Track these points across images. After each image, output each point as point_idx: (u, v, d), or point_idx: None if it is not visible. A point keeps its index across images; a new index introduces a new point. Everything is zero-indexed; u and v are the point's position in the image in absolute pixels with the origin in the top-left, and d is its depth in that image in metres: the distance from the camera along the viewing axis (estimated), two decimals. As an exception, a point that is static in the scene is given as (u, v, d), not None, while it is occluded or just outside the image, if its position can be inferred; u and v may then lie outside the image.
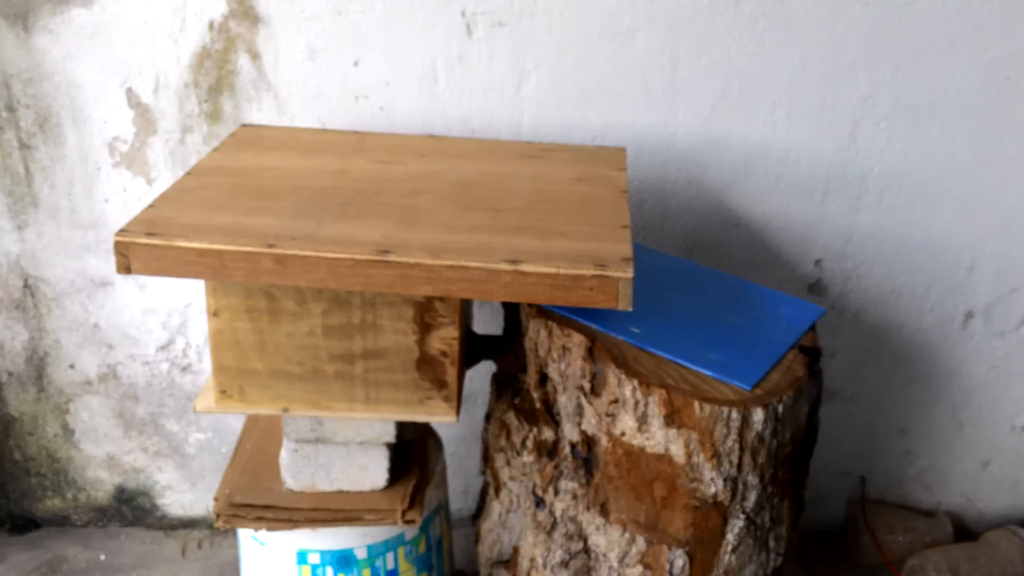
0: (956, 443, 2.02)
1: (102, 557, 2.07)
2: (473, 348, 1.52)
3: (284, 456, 1.48)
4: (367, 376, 1.35)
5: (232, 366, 1.35)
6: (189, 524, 2.15)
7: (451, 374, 1.35)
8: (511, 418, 1.49)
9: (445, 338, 1.33)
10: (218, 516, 1.47)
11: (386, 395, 1.37)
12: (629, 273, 1.15)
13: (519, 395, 1.49)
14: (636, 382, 1.25)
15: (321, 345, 1.33)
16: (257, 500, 1.48)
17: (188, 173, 1.38)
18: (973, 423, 2.00)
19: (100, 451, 2.07)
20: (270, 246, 1.17)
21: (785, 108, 1.72)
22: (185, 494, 2.12)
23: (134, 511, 2.13)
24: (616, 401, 1.28)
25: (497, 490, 1.58)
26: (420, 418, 1.38)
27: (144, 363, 1.98)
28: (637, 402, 1.25)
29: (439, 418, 1.38)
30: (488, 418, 1.61)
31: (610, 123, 1.74)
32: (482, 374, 1.85)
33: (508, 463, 1.54)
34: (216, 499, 1.49)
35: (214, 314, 1.32)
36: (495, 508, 1.60)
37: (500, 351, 1.52)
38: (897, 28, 1.67)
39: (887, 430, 2.01)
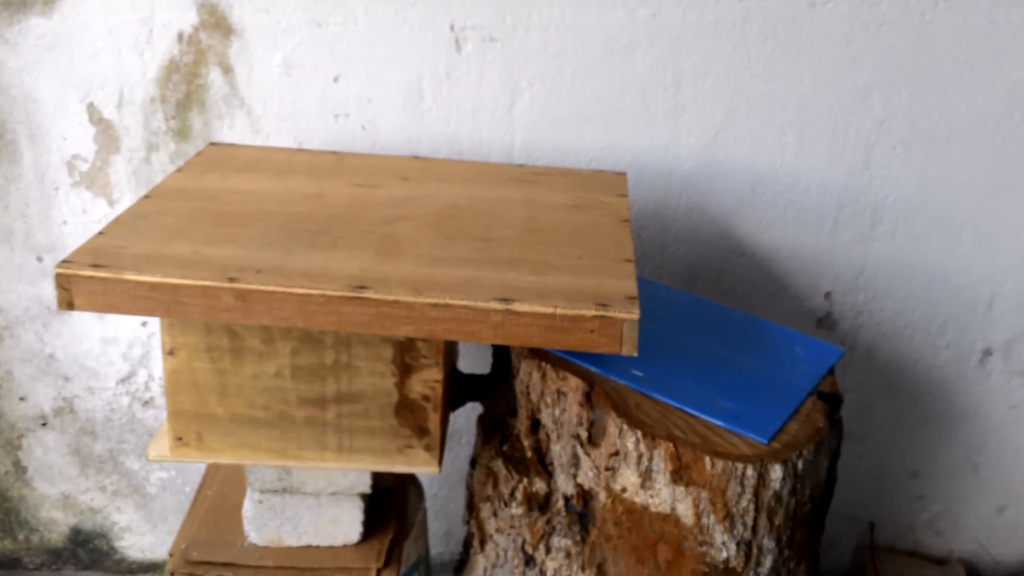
0: (971, 487, 1.90)
1: (56, 604, 1.93)
2: (458, 389, 1.39)
3: (247, 508, 1.34)
4: (340, 422, 1.22)
5: (190, 411, 1.21)
6: (149, 568, 2.00)
7: (433, 420, 1.22)
8: (499, 466, 1.36)
9: (427, 381, 1.20)
10: (172, 575, 1.33)
11: (361, 443, 1.24)
12: (635, 314, 1.03)
13: (508, 441, 1.36)
14: (639, 433, 1.12)
15: (289, 388, 1.20)
16: (216, 557, 1.34)
17: (146, 196, 1.25)
18: (989, 466, 1.88)
19: (54, 490, 1.93)
20: (231, 280, 1.05)
21: (795, 132, 1.61)
22: (145, 536, 1.98)
23: (90, 554, 1.99)
24: (617, 453, 1.16)
25: (482, 543, 1.45)
26: (399, 469, 1.25)
27: (103, 397, 1.84)
28: (641, 455, 1.13)
29: (420, 469, 1.25)
30: (473, 464, 1.48)
31: (608, 145, 1.62)
32: (467, 410, 1.72)
33: (495, 514, 1.41)
34: (171, 555, 1.35)
35: (170, 353, 1.19)
36: (480, 562, 1.47)
37: (488, 393, 1.39)
38: (915, 48, 1.56)
39: (898, 473, 1.89)
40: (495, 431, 1.40)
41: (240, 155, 1.44)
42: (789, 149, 1.62)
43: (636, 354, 1.04)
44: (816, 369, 1.26)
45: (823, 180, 1.64)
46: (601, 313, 1.03)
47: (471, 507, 1.49)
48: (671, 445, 1.10)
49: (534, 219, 1.26)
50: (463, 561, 1.54)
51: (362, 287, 1.04)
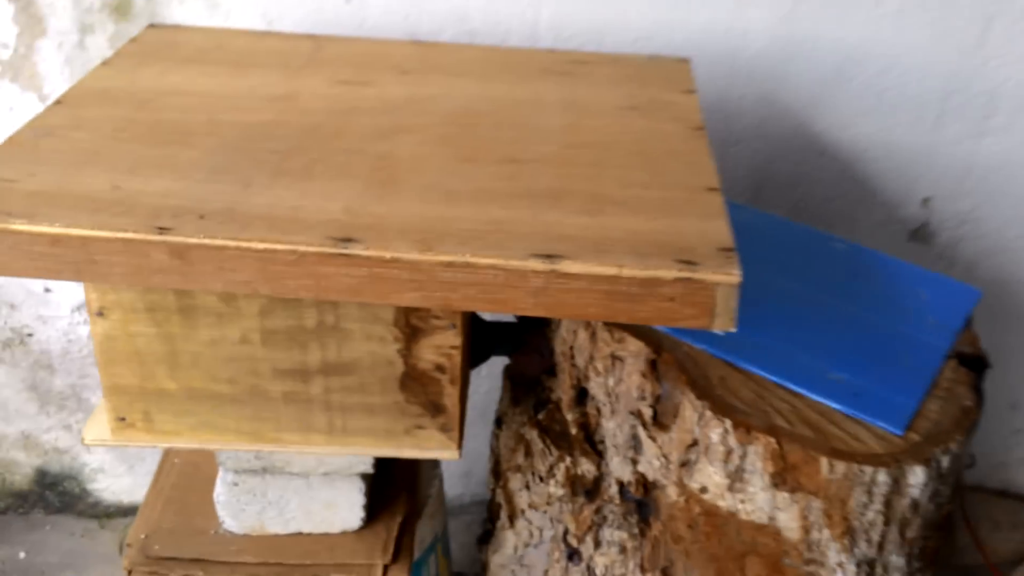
0: (1077, 420, 1.63)
1: (21, 555, 1.69)
2: (480, 341, 1.10)
3: (220, 491, 1.07)
4: (329, 398, 0.94)
5: (133, 385, 0.93)
6: (129, 511, 1.76)
7: (450, 395, 0.94)
8: (533, 437, 1.08)
9: (441, 347, 0.91)
10: (129, 574, 1.07)
11: (357, 423, 0.95)
12: (734, 274, 0.73)
13: (544, 408, 1.07)
14: (729, 423, 0.84)
15: (261, 357, 0.91)
16: (183, 551, 1.08)
17: (57, 102, 0.94)
18: (1100, 396, 1.60)
19: (13, 429, 1.67)
20: (163, 231, 0.74)
21: (895, 0, 1.28)
22: (122, 478, 1.73)
23: (60, 497, 1.74)
24: (695, 444, 0.87)
25: (512, 517, 1.19)
26: (407, 453, 0.97)
27: (57, 326, 1.56)
28: (730, 451, 0.84)
29: (434, 454, 0.97)
30: (500, 423, 1.20)
31: (657, 21, 1.28)
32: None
33: (527, 487, 1.14)
34: (129, 544, 1.09)
35: (98, 314, 0.89)
36: (509, 539, 1.20)
37: (516, 345, 1.10)
38: None
39: (995, 405, 1.60)
40: (527, 391, 1.12)
41: (188, 41, 1.11)
42: (886, 22, 1.29)
43: (735, 328, 0.74)
44: (950, 320, 0.96)
45: (927, 61, 1.31)
46: (686, 274, 0.73)
47: (497, 474, 1.22)
48: (773, 441, 0.82)
49: (578, 129, 0.94)
50: (488, 532, 1.27)
51: (348, 239, 0.74)
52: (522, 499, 1.15)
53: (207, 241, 0.74)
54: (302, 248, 0.74)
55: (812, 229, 1.09)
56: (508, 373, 1.17)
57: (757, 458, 0.83)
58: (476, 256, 0.73)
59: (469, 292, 0.74)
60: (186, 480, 1.17)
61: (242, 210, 0.77)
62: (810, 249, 1.05)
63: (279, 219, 0.76)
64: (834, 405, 0.85)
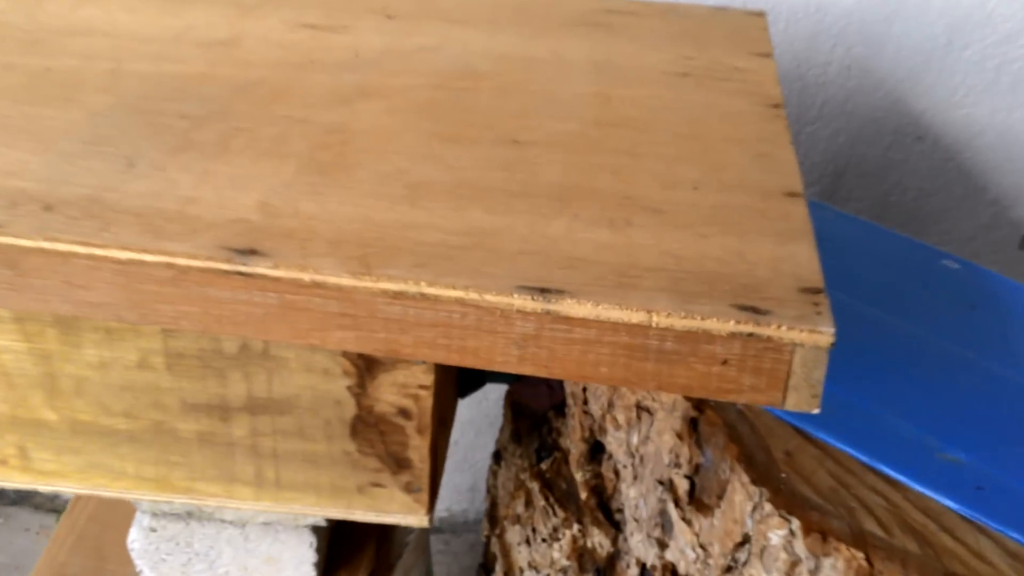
0: None
1: (-30, 552, 1.51)
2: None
3: (135, 536, 0.85)
4: (258, 443, 0.71)
5: (2, 413, 0.71)
6: (93, 507, 1.56)
7: (418, 447, 0.70)
8: (535, 490, 0.85)
9: (407, 386, 0.67)
10: (23, 635, 0.86)
11: (295, 476, 0.72)
12: (825, 332, 0.48)
13: (549, 455, 0.84)
14: (797, 524, 0.59)
15: (166, 386, 0.68)
16: (90, 609, 0.86)
17: (-79, 34, 0.71)
18: None
19: (-38, 412, 1.47)
20: (-13, 226, 0.51)
21: (1031, -55, 1.01)
22: (84, 471, 1.53)
23: (15, 488, 1.55)
24: (745, 542, 0.63)
25: (508, 574, 0.96)
26: (360, 516, 0.74)
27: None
28: (796, 562, 0.60)
29: (395, 517, 0.74)
30: (498, 458, 0.97)
31: (726, -39, 1.03)
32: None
33: (527, 542, 0.91)
34: (29, 595, 0.88)
35: (-47, 322, 0.67)
36: (504, 598, 0.98)
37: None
38: None
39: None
40: (531, 428, 0.88)
41: (124, -36, 0.87)
42: (1016, -25, 1.03)
43: (817, 409, 0.50)
44: (1100, 378, 0.71)
45: (1064, 25, 1.05)
46: (749, 328, 0.48)
47: (493, 519, 0.99)
48: (861, 556, 0.57)
49: (609, 100, 0.69)
50: (481, 586, 1.05)
51: (250, 251, 0.51)
52: (520, 555, 0.92)
53: (47, 245, 0.51)
54: (181, 261, 0.50)
55: (914, 241, 0.83)
56: (510, 400, 0.94)
57: (835, 575, 0.59)
58: (435, 285, 0.49)
59: (425, 336, 0.51)
60: (106, 512, 0.95)
61: (111, 200, 0.54)
62: (912, 270, 0.79)
63: (161, 216, 0.53)
64: (948, 503, 0.60)
